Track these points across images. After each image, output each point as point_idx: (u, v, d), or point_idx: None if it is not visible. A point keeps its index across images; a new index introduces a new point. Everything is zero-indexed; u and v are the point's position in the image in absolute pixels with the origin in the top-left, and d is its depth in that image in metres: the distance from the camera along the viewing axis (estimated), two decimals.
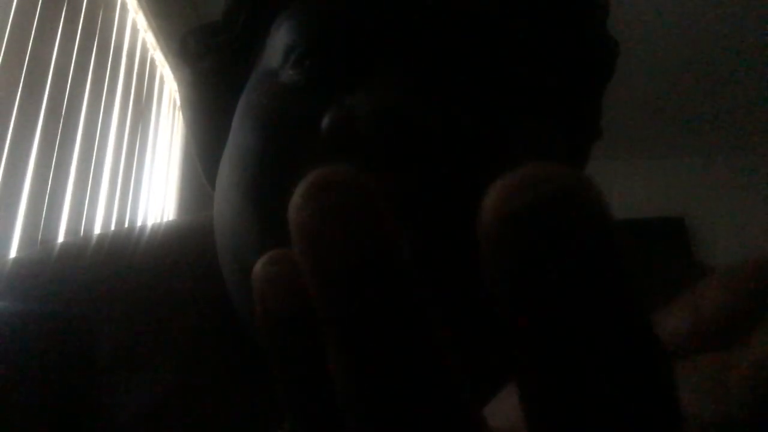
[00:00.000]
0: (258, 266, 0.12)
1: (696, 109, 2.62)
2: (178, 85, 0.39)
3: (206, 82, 0.36)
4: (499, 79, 0.29)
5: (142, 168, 1.71)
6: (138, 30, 1.76)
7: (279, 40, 0.31)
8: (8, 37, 1.16)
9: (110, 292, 0.33)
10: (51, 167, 1.27)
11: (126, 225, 1.58)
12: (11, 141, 1.15)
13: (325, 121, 0.27)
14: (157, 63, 1.87)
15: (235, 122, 0.32)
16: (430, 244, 0.25)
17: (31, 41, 1.22)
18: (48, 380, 0.30)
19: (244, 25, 0.34)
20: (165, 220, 1.81)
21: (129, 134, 1.63)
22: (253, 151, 0.29)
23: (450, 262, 0.26)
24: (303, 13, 0.30)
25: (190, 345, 0.32)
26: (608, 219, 0.10)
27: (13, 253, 1.14)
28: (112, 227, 1.51)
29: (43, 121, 1.25)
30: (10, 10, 1.17)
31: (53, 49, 1.30)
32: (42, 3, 1.26)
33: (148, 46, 1.81)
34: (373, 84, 0.27)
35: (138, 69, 1.72)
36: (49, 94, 1.27)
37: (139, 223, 1.64)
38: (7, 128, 1.14)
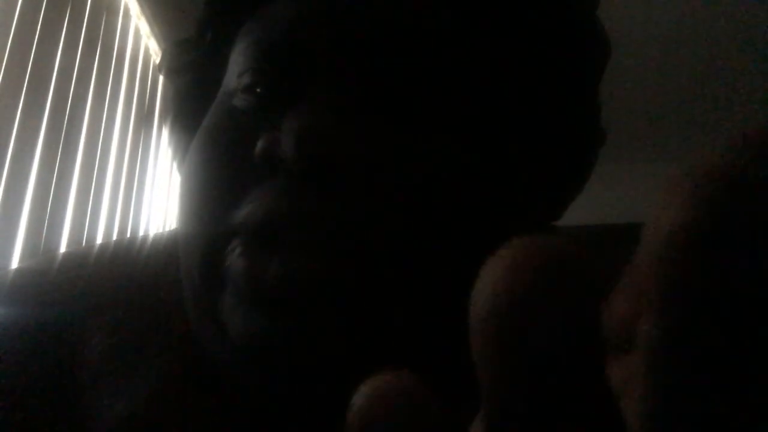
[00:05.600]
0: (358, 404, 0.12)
1: (696, 113, 2.61)
2: (163, 98, 0.41)
3: (184, 98, 0.37)
4: (441, 104, 0.28)
5: (144, 175, 1.70)
6: (141, 36, 1.75)
7: (234, 61, 0.31)
8: (11, 43, 1.15)
9: (103, 301, 0.34)
10: (54, 175, 1.26)
11: (129, 233, 1.57)
12: (14, 149, 1.14)
13: (257, 146, 0.27)
14: None
15: (196, 138, 0.32)
16: (345, 270, 0.25)
17: (34, 48, 1.21)
18: (32, 386, 0.31)
19: (213, 43, 0.35)
20: (168, 227, 1.81)
21: (132, 141, 1.63)
22: (201, 171, 0.30)
23: (367, 286, 0.26)
24: (253, 36, 0.30)
25: (173, 355, 0.32)
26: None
27: (15, 262, 1.13)
28: (115, 236, 1.51)
29: (46, 128, 1.24)
30: (13, 17, 1.16)
31: (56, 55, 1.30)
32: (45, 9, 1.25)
33: (151, 52, 1.80)
34: (301, 107, 0.27)
35: (141, 75, 1.72)
36: (51, 101, 1.27)
37: (142, 232, 1.64)
38: (10, 136, 1.13)
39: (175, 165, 0.39)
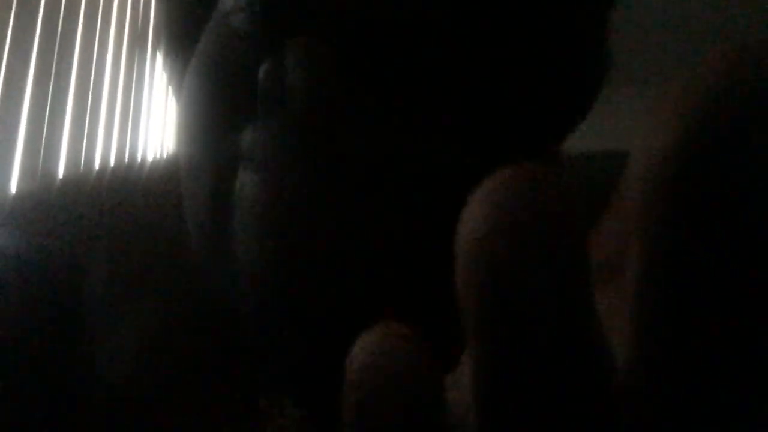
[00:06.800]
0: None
1: (705, 37, 2.56)
2: (156, 13, 0.39)
3: (177, 20, 0.35)
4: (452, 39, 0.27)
5: (140, 97, 1.68)
6: None
7: None
8: None
9: (103, 229, 0.34)
10: (48, 97, 1.25)
11: (126, 156, 1.57)
12: (5, 73, 1.12)
13: (261, 71, 0.26)
14: None
15: (192, 61, 0.31)
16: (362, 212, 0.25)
17: None
18: (33, 315, 0.31)
19: None
20: (165, 150, 1.80)
21: (126, 62, 1.60)
22: (197, 95, 0.29)
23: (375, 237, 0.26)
24: None
25: (179, 285, 0.32)
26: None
27: (13, 185, 1.13)
28: (112, 159, 1.50)
29: (38, 50, 1.22)
30: None
31: None
32: None
33: None
34: (309, 31, 0.26)
35: None
36: (42, 22, 1.24)
37: (139, 155, 1.64)
38: (1, 61, 1.12)
39: (171, 89, 0.39)
